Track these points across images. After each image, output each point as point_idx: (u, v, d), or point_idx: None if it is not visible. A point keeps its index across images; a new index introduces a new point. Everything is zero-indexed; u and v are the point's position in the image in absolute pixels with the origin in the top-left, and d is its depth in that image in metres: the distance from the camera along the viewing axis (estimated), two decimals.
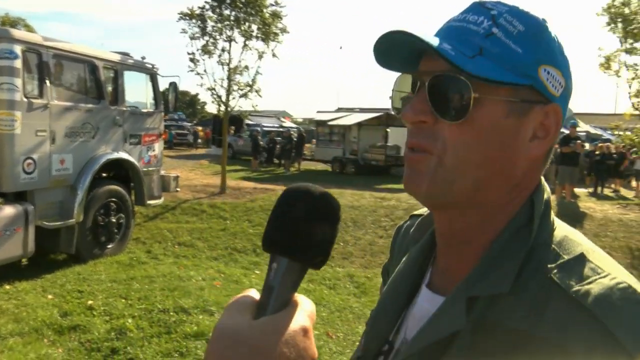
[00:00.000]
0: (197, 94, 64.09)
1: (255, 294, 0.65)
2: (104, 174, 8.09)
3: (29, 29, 34.29)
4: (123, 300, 6.12)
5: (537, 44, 0.73)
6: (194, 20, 12.27)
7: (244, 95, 13.06)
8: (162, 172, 9.36)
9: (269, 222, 0.65)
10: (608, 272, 0.67)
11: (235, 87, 12.93)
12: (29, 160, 6.52)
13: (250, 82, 13.01)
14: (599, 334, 0.61)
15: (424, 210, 0.95)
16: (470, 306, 0.70)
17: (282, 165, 22.27)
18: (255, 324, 0.59)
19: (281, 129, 27.61)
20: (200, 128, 35.35)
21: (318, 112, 27.16)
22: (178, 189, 10.01)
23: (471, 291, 0.71)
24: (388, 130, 22.09)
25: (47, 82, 6.67)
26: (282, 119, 36.79)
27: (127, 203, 8.27)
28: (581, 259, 0.69)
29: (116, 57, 8.09)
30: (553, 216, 0.77)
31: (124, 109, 8.14)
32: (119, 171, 8.33)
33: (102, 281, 6.77)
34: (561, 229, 0.75)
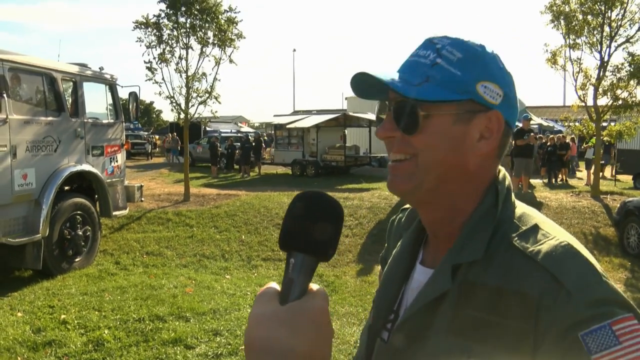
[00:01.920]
0: (152, 102, 63.11)
1: (275, 285, 0.77)
2: (68, 187, 7.97)
3: None
4: (97, 312, 6.09)
5: (474, 66, 0.94)
6: (149, 29, 12.19)
7: (203, 102, 13.04)
8: (126, 183, 9.29)
9: (284, 224, 0.77)
10: (554, 235, 0.88)
11: (194, 95, 12.89)
12: None
13: (209, 89, 13.01)
14: (548, 280, 0.80)
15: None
16: (454, 272, 0.91)
17: (242, 170, 22.25)
18: (284, 308, 0.72)
19: (239, 134, 27.51)
20: (157, 137, 34.93)
21: (275, 115, 27.17)
22: (142, 199, 9.95)
23: (454, 260, 0.92)
24: (346, 131, 22.36)
25: (5, 96, 6.56)
26: (240, 124, 36.66)
27: (93, 215, 8.18)
28: (535, 228, 0.90)
29: (74, 69, 8.01)
30: (513, 198, 0.99)
31: (85, 120, 8.05)
32: (83, 183, 8.24)
33: (73, 295, 6.70)
34: (520, 208, 0.97)
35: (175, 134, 27.70)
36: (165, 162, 25.80)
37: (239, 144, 23.57)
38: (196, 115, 13.40)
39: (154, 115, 66.20)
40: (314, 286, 0.77)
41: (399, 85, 0.93)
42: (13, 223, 6.81)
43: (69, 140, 7.71)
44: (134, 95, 9.17)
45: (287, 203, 10.53)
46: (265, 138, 24.07)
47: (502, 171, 1.02)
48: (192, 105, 12.99)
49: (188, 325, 5.74)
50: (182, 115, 13.10)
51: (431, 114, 0.93)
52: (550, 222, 0.94)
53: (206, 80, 13.00)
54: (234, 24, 12.87)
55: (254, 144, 22.56)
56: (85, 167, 7.98)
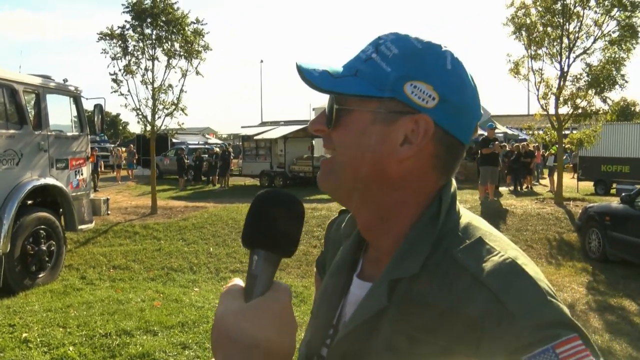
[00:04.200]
0: (118, 114, 62.24)
1: (240, 282, 0.79)
2: (31, 201, 7.79)
3: None
4: (61, 329, 5.95)
5: (407, 64, 0.86)
6: (114, 40, 12.06)
7: (170, 114, 12.94)
8: (92, 196, 9.14)
9: (246, 222, 0.79)
10: (499, 250, 0.82)
11: (160, 107, 12.78)
12: None
13: (175, 101, 12.91)
14: (490, 301, 0.75)
15: None
16: (393, 288, 0.84)
17: (211, 182, 22.08)
18: (248, 305, 0.74)
19: (207, 146, 27.30)
20: (123, 149, 34.40)
21: (243, 127, 27.11)
22: (109, 212, 9.80)
23: (391, 275, 0.85)
24: (313, 142, 22.43)
25: None
26: (207, 136, 36.39)
27: (58, 229, 8.02)
28: (479, 242, 0.84)
29: (37, 80, 7.86)
30: (458, 207, 0.92)
31: (49, 133, 7.90)
32: (47, 197, 8.06)
33: (35, 312, 6.54)
34: (465, 218, 0.90)
35: (132, 146, 27.30)
36: (127, 176, 25.34)
37: (206, 155, 23.40)
38: (163, 127, 13.28)
39: (121, 128, 65.28)
40: (277, 282, 0.78)
41: (315, 76, 0.88)
42: None
43: (32, 153, 7.56)
44: (99, 108, 9.04)
45: None
46: (231, 150, 23.92)
47: (451, 180, 0.95)
48: (159, 117, 12.88)
49: (156, 339, 5.66)
50: (149, 128, 12.97)
51: (349, 109, 0.88)
52: (496, 233, 0.89)
53: (172, 92, 12.92)
54: (201, 36, 12.83)
55: (221, 155, 22.45)
56: (49, 180, 7.83)
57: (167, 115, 12.91)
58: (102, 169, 24.89)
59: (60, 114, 8.57)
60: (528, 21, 13.53)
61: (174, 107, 12.91)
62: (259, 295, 0.75)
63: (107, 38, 11.96)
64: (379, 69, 0.87)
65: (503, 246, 0.83)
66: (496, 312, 0.74)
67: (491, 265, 0.79)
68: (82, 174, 8.66)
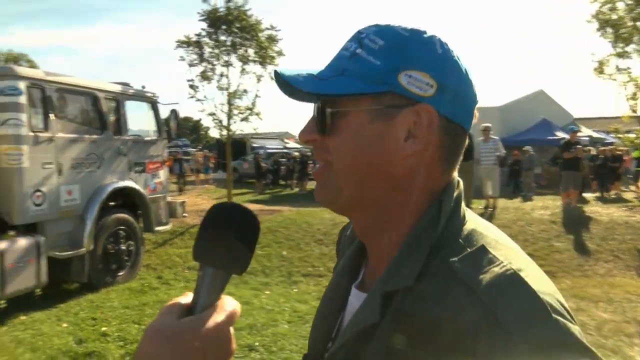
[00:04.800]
0: (199, 120, 64.70)
1: (189, 298, 0.74)
2: (112, 203, 8.18)
3: (31, 64, 34.95)
4: (136, 326, 6.19)
5: (396, 54, 0.80)
6: (191, 48, 12.50)
7: (245, 119, 13.22)
8: (169, 199, 9.48)
9: (197, 235, 0.75)
10: (501, 260, 0.74)
11: (235, 111, 13.10)
12: (38, 193, 6.65)
13: (250, 106, 13.19)
14: (486, 316, 0.68)
15: None
16: (388, 300, 0.78)
17: (289, 185, 22.38)
18: (178, 322, 0.69)
19: (285, 150, 27.70)
20: (200, 153, 35.51)
21: None
22: (185, 215, 10.12)
23: (385, 287, 0.79)
24: None
25: (51, 115, 6.83)
26: (286, 140, 36.94)
27: (136, 230, 8.37)
28: (481, 251, 0.76)
29: (117, 88, 8.27)
30: (463, 211, 0.85)
31: (127, 138, 8.29)
32: (126, 199, 8.43)
33: (115, 308, 6.85)
34: (471, 223, 0.83)
35: (206, 151, 28.04)
36: (212, 179, 26.12)
37: (284, 159, 23.75)
38: (239, 132, 13.59)
39: (203, 132, 67.73)
40: (225, 300, 0.74)
41: (300, 81, 0.82)
42: (59, 237, 7.04)
43: (112, 157, 7.95)
44: (174, 113, 9.38)
45: (328, 218, 10.39)
46: (309, 154, 24.15)
47: (452, 179, 0.87)
48: (234, 122, 13.20)
49: None
50: (224, 132, 13.32)
51: (343, 111, 0.82)
52: (504, 242, 0.81)
53: (247, 97, 13.21)
54: (275, 42, 13.05)
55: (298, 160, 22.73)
56: (128, 183, 8.20)
57: (242, 119, 13.21)
58: (186, 172, 25.76)
59: (138, 119, 8.95)
60: (614, 17, 12.70)
61: (249, 111, 13.18)
62: (199, 312, 0.71)
63: (185, 45, 12.44)
64: (368, 64, 0.81)
65: (508, 256, 0.76)
66: (492, 329, 0.67)
67: (490, 276, 0.72)
68: (159, 177, 9.01)
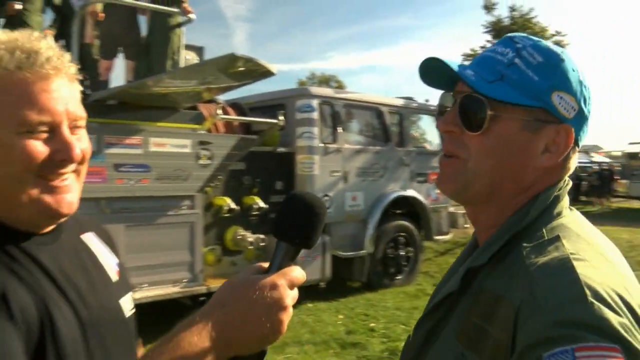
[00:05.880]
0: None
1: (266, 265, 0.91)
2: (395, 210, 8.65)
3: (339, 84, 39.38)
4: (402, 326, 6.47)
5: (553, 74, 0.88)
6: None
7: None
8: (451, 209, 9.59)
9: (276, 218, 0.92)
10: (567, 249, 0.80)
11: None
12: (326, 197, 7.52)
13: None
14: (530, 293, 0.75)
15: None
16: (469, 275, 0.92)
17: (591, 203, 20.07)
18: (247, 277, 0.87)
19: (588, 164, 24.73)
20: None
21: (630, 143, 23.70)
22: (467, 225, 10.05)
23: (469, 265, 0.93)
24: None
25: (339, 128, 7.67)
26: (592, 154, 32.95)
27: (415, 238, 8.68)
28: (553, 240, 0.84)
29: (399, 102, 8.79)
30: (561, 209, 0.91)
31: (410, 149, 8.71)
32: (408, 208, 8.84)
33: (387, 308, 7.27)
34: (567, 219, 0.90)
35: None
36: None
37: (585, 174, 21.45)
38: None
39: None
40: (291, 267, 0.89)
41: (472, 79, 0.90)
42: (344, 239, 7.81)
43: (395, 167, 8.45)
44: None
45: (625, 239, 9.09)
46: (613, 169, 21.18)
47: (559, 181, 0.94)
48: None
49: None
50: None
51: (499, 115, 0.89)
52: (589, 238, 0.86)
53: None
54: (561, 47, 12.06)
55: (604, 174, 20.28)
56: (409, 192, 8.59)
57: None
58: None
59: (421, 131, 9.31)
60: None
61: None
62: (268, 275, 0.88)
63: (470, 58, 12.44)
64: (526, 77, 0.89)
65: (579, 247, 0.81)
66: (530, 303, 0.75)
67: (546, 259, 0.80)
68: None
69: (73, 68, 1.02)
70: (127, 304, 1.17)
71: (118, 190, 5.40)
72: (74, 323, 0.98)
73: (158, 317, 5.83)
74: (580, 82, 0.91)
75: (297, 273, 0.88)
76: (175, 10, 6.43)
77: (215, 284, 6.18)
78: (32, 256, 0.98)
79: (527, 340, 0.72)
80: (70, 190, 1.02)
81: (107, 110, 5.49)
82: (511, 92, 0.88)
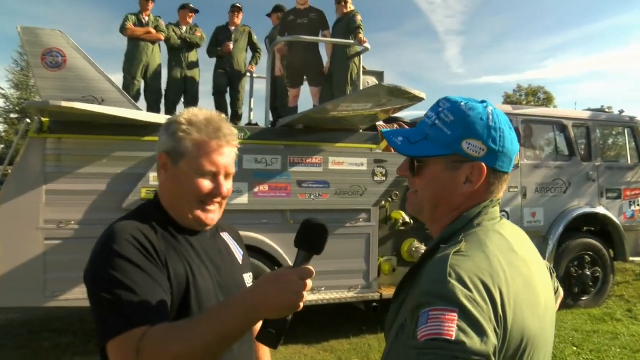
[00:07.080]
0: None
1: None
2: (581, 228, 8.28)
3: (547, 95, 36.54)
4: (574, 348, 6.26)
5: (461, 127, 1.18)
6: None
7: None
8: None
9: (297, 233, 1.36)
10: (459, 248, 1.08)
11: None
12: (503, 213, 7.53)
13: None
14: (423, 276, 1.07)
15: None
16: (414, 271, 1.24)
17: None
18: (279, 270, 1.32)
19: None
20: None
21: None
22: None
23: (417, 262, 1.26)
24: None
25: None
26: None
27: (604, 258, 8.14)
28: (458, 242, 1.12)
29: (586, 115, 8.33)
30: (482, 220, 1.20)
31: (598, 164, 8.24)
32: (596, 225, 8.35)
33: (564, 328, 7.00)
34: (482, 229, 1.18)
35: None
36: None
37: None
38: None
39: None
40: (306, 266, 1.32)
41: (398, 145, 1.28)
42: None
43: (580, 182, 8.06)
44: None
45: None
46: None
47: (482, 204, 1.23)
48: None
49: None
50: None
51: (425, 164, 1.25)
52: (487, 242, 1.13)
53: None
54: None
55: None
56: (598, 209, 8.12)
57: None
58: None
59: (614, 144, 8.67)
60: None
61: None
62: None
63: None
64: (442, 133, 1.21)
65: (471, 247, 1.11)
66: (420, 282, 1.08)
67: (440, 255, 1.10)
68: (638, 205, 8.47)
69: (237, 140, 1.63)
70: (248, 279, 1.75)
71: (300, 204, 6.27)
72: (209, 282, 1.56)
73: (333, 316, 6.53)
74: (489, 127, 1.18)
75: (308, 269, 1.28)
76: (352, 42, 7.17)
77: (389, 291, 6.65)
78: (188, 240, 1.59)
79: (412, 305, 1.05)
80: (215, 212, 1.62)
81: (293, 133, 6.40)
82: (432, 147, 1.20)
